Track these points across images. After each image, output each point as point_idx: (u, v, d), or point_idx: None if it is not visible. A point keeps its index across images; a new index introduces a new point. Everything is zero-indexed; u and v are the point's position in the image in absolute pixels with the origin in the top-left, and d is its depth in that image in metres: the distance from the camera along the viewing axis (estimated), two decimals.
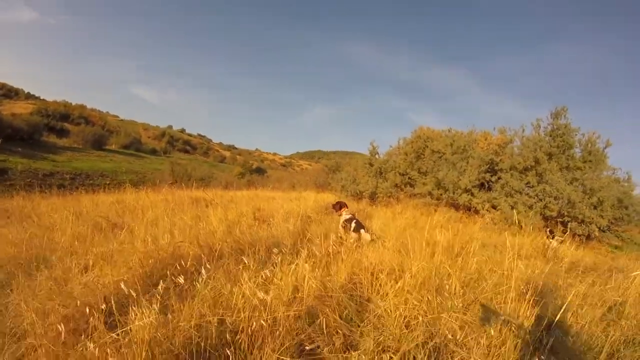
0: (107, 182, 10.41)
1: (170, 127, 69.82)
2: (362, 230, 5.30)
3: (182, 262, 3.22)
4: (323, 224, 6.43)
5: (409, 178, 12.07)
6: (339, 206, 6.18)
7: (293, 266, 3.27)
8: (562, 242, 7.58)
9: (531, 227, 7.73)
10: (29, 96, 59.85)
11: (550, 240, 7.22)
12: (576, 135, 9.56)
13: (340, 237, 5.30)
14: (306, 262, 3.28)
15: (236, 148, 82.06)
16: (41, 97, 59.11)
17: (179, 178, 24.15)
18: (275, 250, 3.66)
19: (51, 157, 28.67)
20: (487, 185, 10.02)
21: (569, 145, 9.51)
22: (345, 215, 5.80)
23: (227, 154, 68.96)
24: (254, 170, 46.52)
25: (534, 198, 8.72)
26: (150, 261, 3.61)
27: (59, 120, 42.90)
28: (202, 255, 3.56)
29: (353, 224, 5.32)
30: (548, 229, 7.65)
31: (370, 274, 3.51)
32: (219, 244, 4.14)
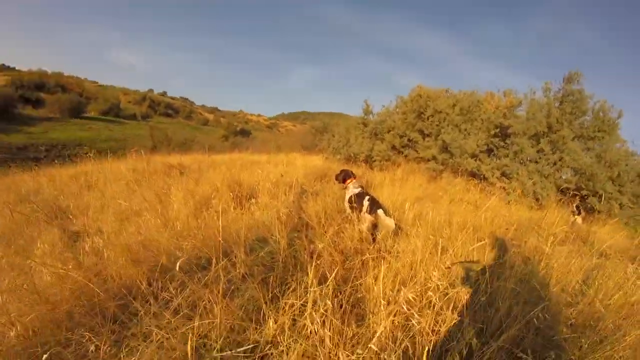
0: (85, 152, 9.45)
1: (151, 90, 68.32)
2: (379, 211, 3.84)
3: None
4: (320, 196, 5.19)
5: (408, 140, 11.14)
6: (344, 176, 4.76)
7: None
8: (584, 219, 7.03)
9: (553, 201, 7.08)
10: (2, 68, 57.07)
11: (576, 216, 6.63)
12: (589, 102, 8.74)
13: (347, 217, 4.38)
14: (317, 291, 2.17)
15: (220, 110, 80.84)
16: (16, 68, 56.43)
17: (159, 143, 23.15)
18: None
19: (26, 129, 27.50)
20: (495, 152, 9.20)
21: (582, 112, 8.71)
22: (353, 188, 4.45)
23: (211, 116, 67.72)
24: (238, 132, 45.42)
25: (551, 167, 7.95)
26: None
27: (35, 90, 41.01)
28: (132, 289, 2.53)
29: (366, 202, 4.05)
30: (574, 204, 6.97)
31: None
32: (166, 256, 2.90)
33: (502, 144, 9.05)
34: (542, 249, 3.74)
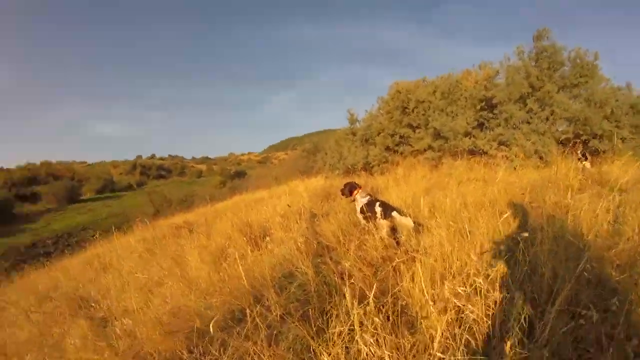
0: (92, 235, 9.53)
1: (139, 157, 69.00)
2: (394, 213, 3.84)
3: None
4: (331, 216, 5.12)
5: (400, 137, 11.10)
6: (350, 189, 4.72)
7: None
8: (592, 162, 7.01)
9: (556, 155, 7.03)
10: None
11: (583, 162, 6.63)
12: (564, 53, 8.76)
13: (364, 228, 4.28)
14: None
15: (210, 158, 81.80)
16: (4, 167, 56.77)
17: (160, 207, 23.18)
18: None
19: (29, 227, 27.76)
20: (486, 125, 9.18)
21: (559, 64, 8.73)
22: (361, 198, 4.43)
23: (203, 167, 68.33)
24: (234, 175, 45.53)
25: (544, 123, 7.92)
26: None
27: (28, 185, 41.31)
28: None
29: (378, 208, 4.02)
30: (579, 151, 6.95)
31: None
32: (199, 319, 2.77)
33: (490, 115, 9.03)
34: (564, 202, 3.68)
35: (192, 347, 2.55)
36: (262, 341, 2.09)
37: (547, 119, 7.99)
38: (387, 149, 11.27)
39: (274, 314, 2.60)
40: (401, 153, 10.90)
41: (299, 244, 3.98)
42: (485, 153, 8.50)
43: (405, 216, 3.86)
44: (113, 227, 8.16)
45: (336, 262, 3.12)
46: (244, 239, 4.95)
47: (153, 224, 8.72)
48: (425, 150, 9.93)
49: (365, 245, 3.59)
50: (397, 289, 2.45)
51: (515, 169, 7.17)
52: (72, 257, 8.58)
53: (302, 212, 5.43)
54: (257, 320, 2.30)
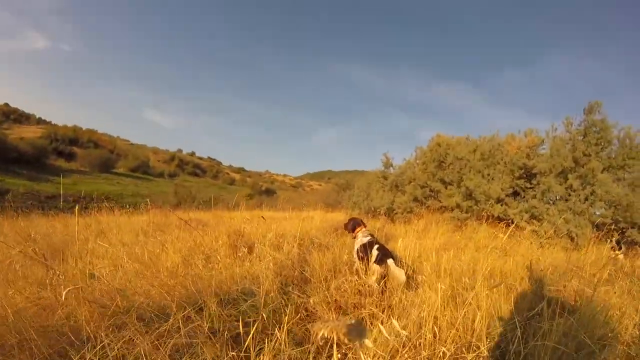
0: (112, 206, 9.62)
1: (180, 150, 70.52)
2: (389, 261, 3.51)
3: None
4: (331, 250, 4.82)
5: (430, 190, 10.69)
6: (353, 225, 4.47)
7: None
8: (625, 254, 6.41)
9: (589, 238, 6.45)
10: (40, 121, 61.01)
11: (617, 252, 6.04)
12: (613, 131, 8.21)
13: (357, 271, 3.91)
14: None
15: (246, 170, 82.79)
16: (52, 122, 59.63)
17: (183, 200, 23.33)
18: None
19: (56, 180, 28.71)
20: (521, 194, 8.66)
21: (607, 142, 8.20)
22: (362, 236, 4.14)
23: (237, 176, 68.97)
24: (264, 191, 45.78)
25: (583, 202, 7.34)
26: None
27: (68, 144, 43.11)
28: None
29: (375, 251, 3.69)
30: (614, 239, 6.36)
31: None
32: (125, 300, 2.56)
33: (528, 185, 8.58)
34: (586, 292, 3.20)
35: (102, 324, 2.26)
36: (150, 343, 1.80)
37: (587, 198, 7.44)
38: (415, 199, 10.89)
39: (205, 326, 2.33)
40: (428, 207, 10.47)
41: (278, 265, 3.75)
42: (514, 223, 7.99)
43: (401, 267, 3.48)
44: (131, 205, 8.19)
45: (308, 295, 2.81)
46: (228, 245, 4.73)
47: (168, 212, 8.68)
48: (452, 208, 9.46)
49: (347, 286, 3.24)
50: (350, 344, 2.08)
51: (541, 245, 6.63)
52: (81, 217, 8.55)
53: (298, 237, 5.10)
54: (181, 324, 2.06)
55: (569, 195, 7.64)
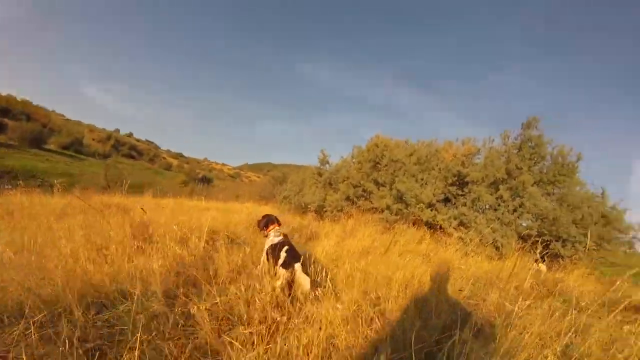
0: (38, 184, 8.70)
1: (117, 130, 66.79)
2: (296, 266, 3.14)
3: None
4: (243, 248, 4.15)
5: (363, 190, 10.44)
6: (266, 222, 3.99)
7: None
8: (548, 266, 6.50)
9: (514, 249, 6.44)
10: None
11: (540, 264, 6.08)
12: (548, 147, 8.38)
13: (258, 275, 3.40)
14: None
15: (184, 156, 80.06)
16: None
17: (112, 183, 21.83)
18: None
19: None
20: (452, 201, 8.61)
21: (541, 157, 8.33)
22: (273, 236, 3.68)
23: (175, 162, 66.45)
24: (200, 179, 44.02)
25: (511, 213, 7.36)
26: None
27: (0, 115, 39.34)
28: None
29: (283, 253, 3.27)
30: (538, 252, 6.39)
31: None
32: None
33: (459, 192, 8.52)
34: (506, 307, 2.90)
35: None
36: None
37: (515, 210, 7.44)
38: (347, 198, 10.58)
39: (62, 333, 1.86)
40: (359, 206, 10.20)
41: (176, 263, 3.19)
42: (442, 229, 7.88)
43: (307, 274, 3.04)
44: (58, 185, 7.43)
45: (194, 302, 2.31)
46: (130, 236, 4.12)
47: (89, 196, 7.97)
48: (383, 210, 9.25)
49: (247, 292, 2.74)
50: None
51: (466, 253, 6.52)
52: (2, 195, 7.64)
53: (219, 232, 4.59)
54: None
55: (499, 205, 7.62)
